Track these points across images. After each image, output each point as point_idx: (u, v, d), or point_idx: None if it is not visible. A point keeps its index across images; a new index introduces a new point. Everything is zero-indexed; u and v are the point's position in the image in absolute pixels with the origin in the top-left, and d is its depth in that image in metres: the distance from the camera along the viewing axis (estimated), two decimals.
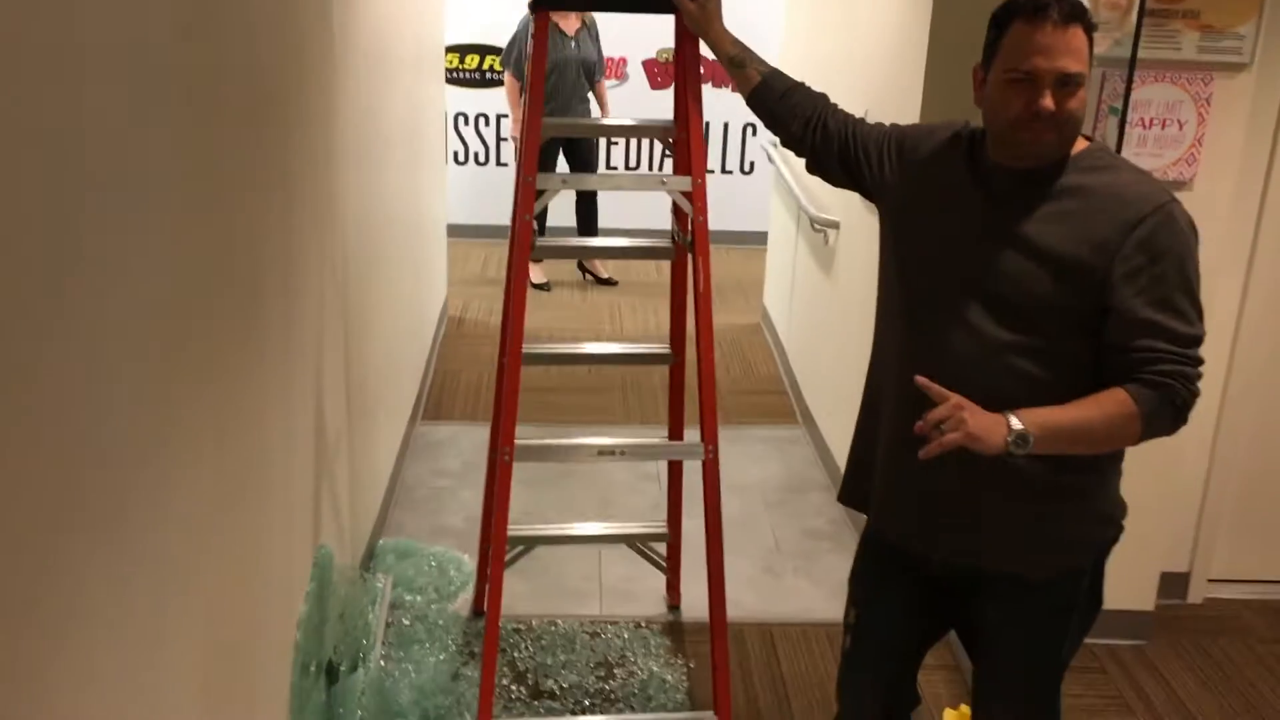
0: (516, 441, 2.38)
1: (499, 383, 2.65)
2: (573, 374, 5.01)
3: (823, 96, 2.18)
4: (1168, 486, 3.15)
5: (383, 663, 2.91)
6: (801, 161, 2.22)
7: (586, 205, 6.41)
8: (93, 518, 1.31)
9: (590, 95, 6.10)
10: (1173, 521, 3.28)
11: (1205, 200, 2.88)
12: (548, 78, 5.87)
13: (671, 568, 3.25)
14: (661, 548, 3.20)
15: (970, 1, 2.22)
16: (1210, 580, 3.50)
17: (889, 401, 1.99)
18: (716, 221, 7.98)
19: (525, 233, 2.31)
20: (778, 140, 2.21)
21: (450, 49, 6.88)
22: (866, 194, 2.09)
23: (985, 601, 1.99)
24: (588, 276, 6.55)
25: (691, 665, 3.08)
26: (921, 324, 1.90)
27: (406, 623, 3.16)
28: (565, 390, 4.87)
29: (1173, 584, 3.43)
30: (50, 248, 1.18)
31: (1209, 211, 2.91)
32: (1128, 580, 3.23)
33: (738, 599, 3.41)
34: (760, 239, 6.14)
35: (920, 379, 1.77)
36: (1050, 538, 1.90)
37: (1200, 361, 1.75)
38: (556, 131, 2.45)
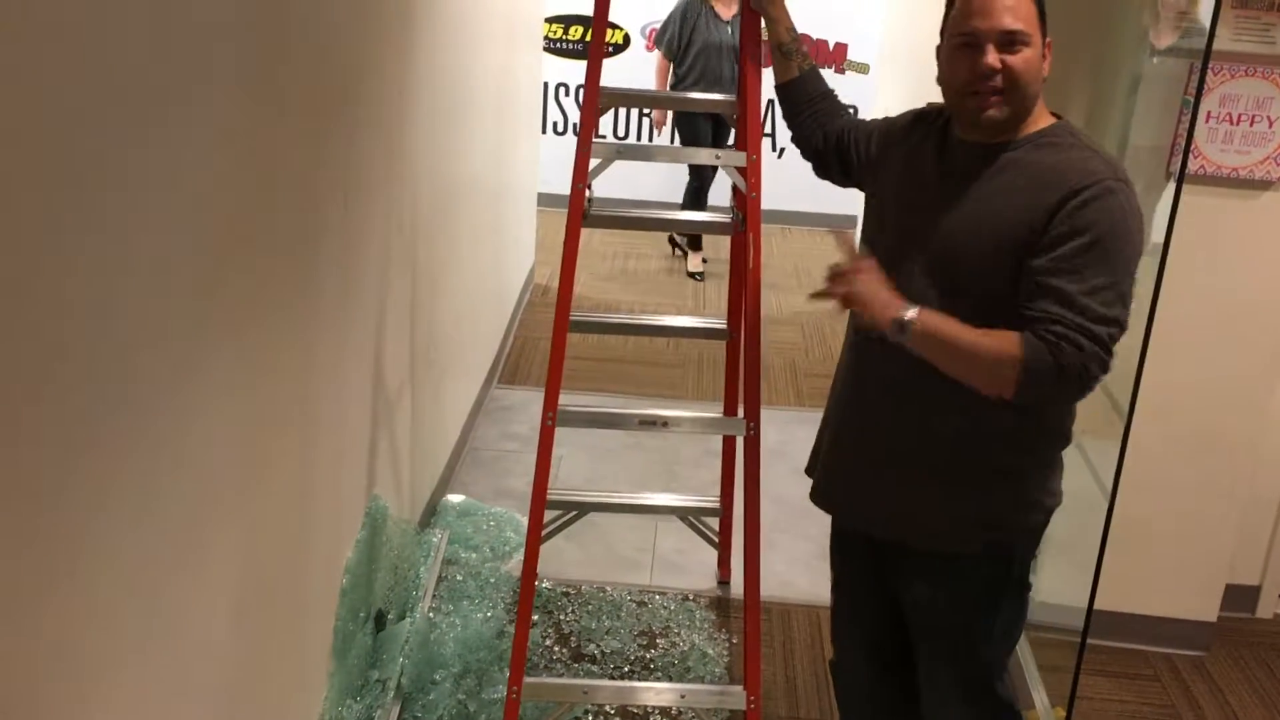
0: (560, 406, 2.42)
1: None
2: (651, 348, 5.07)
3: (845, 109, 2.27)
4: (1240, 496, 3.05)
5: (431, 615, 2.99)
6: None
7: (699, 186, 6.42)
8: (123, 426, 1.38)
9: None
10: (1243, 533, 3.18)
11: None
12: (696, 59, 5.90)
13: (723, 543, 3.26)
14: (714, 523, 3.21)
15: None
16: None
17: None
18: (810, 204, 7.80)
19: (578, 200, 2.35)
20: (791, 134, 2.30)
21: (553, 19, 6.92)
22: (860, 182, 2.15)
23: (913, 577, 2.01)
24: (677, 252, 6.57)
25: (734, 640, 3.09)
26: None
27: (459, 578, 3.23)
28: (642, 363, 4.93)
29: (1241, 596, 3.32)
30: (97, 174, 1.25)
31: None
32: (1189, 589, 3.14)
33: (791, 580, 3.41)
34: None
35: (837, 231, 1.83)
36: (971, 515, 1.91)
37: (1099, 341, 1.67)
38: (616, 101, 2.47)
